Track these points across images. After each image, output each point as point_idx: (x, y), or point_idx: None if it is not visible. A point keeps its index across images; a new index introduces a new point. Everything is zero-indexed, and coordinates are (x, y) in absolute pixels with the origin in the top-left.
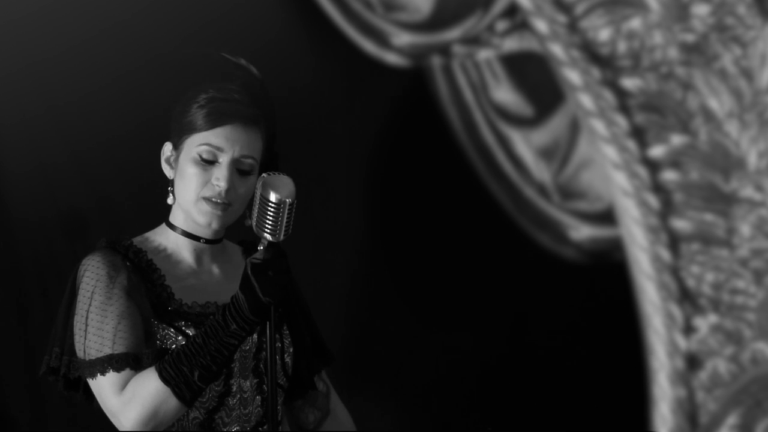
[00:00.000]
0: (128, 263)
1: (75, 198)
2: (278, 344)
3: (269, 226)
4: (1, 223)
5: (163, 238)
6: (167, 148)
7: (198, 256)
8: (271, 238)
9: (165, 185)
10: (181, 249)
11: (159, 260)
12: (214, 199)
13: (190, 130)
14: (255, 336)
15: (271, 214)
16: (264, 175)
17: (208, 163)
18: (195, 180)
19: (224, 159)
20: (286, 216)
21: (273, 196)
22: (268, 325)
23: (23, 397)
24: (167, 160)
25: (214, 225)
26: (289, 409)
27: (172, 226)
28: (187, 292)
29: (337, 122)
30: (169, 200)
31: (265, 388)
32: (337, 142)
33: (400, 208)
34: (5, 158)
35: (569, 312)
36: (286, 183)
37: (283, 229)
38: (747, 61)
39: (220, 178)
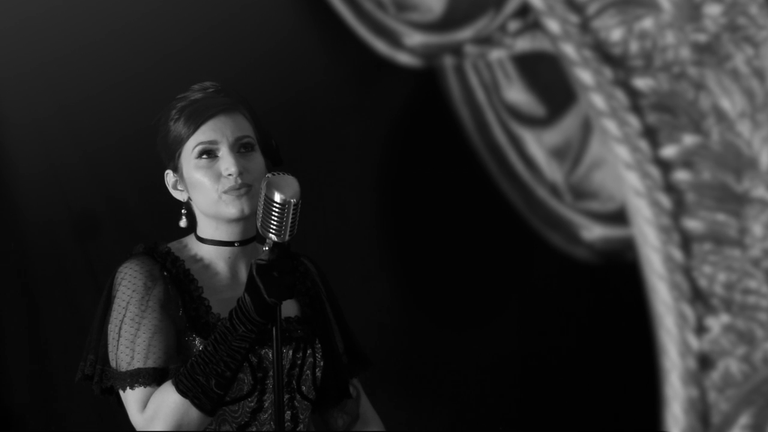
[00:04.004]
0: (166, 273)
1: (86, 198)
2: (310, 359)
3: (274, 227)
4: (12, 224)
5: (198, 247)
6: (170, 176)
7: (233, 265)
8: (276, 239)
9: (176, 203)
10: (216, 259)
11: (196, 270)
12: (233, 188)
13: (178, 143)
14: (290, 353)
15: (276, 214)
16: (269, 175)
17: (209, 159)
18: (207, 180)
19: (223, 148)
20: (291, 216)
21: (278, 197)
22: (274, 327)
23: (33, 397)
24: (174, 187)
25: (246, 209)
26: (319, 413)
27: (201, 239)
28: (224, 306)
29: (349, 122)
30: (182, 223)
31: (296, 404)
32: (349, 142)
33: (412, 208)
34: (16, 159)
35: (581, 312)
36: (291, 183)
37: (288, 229)
38: (759, 61)
39: (228, 167)
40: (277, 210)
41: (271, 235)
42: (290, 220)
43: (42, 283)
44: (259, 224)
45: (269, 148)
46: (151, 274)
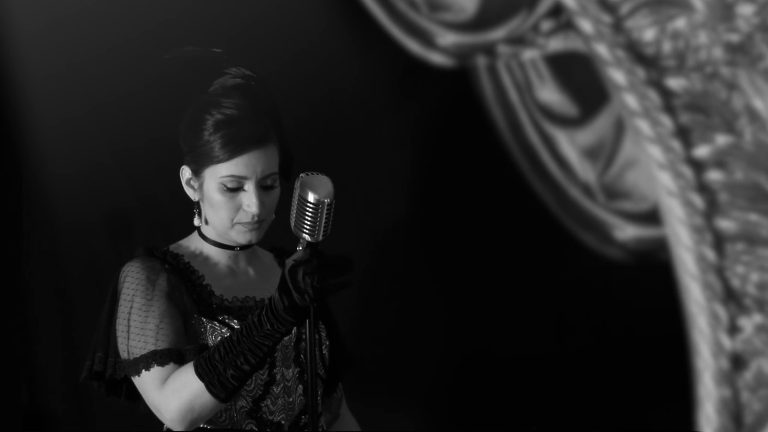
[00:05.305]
0: (167, 266)
1: (118, 198)
2: (315, 336)
3: (308, 227)
4: (45, 225)
5: (199, 244)
6: (186, 171)
7: (233, 261)
8: (309, 239)
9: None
10: (217, 256)
11: (196, 263)
12: (249, 223)
13: (209, 160)
14: (294, 328)
15: (310, 214)
16: (302, 175)
17: (233, 191)
18: (225, 208)
19: (249, 185)
20: (324, 216)
21: (311, 197)
22: (307, 324)
23: (66, 399)
24: (188, 183)
25: (254, 240)
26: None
27: (204, 238)
28: (226, 290)
29: (382, 123)
30: (196, 221)
31: (305, 377)
32: (382, 142)
33: (445, 209)
34: (48, 159)
35: (614, 312)
36: (325, 183)
37: (322, 229)
38: None
39: (250, 204)
40: (310, 210)
41: (304, 234)
42: (324, 220)
43: (75, 283)
44: (292, 224)
45: (286, 161)
46: (153, 268)
